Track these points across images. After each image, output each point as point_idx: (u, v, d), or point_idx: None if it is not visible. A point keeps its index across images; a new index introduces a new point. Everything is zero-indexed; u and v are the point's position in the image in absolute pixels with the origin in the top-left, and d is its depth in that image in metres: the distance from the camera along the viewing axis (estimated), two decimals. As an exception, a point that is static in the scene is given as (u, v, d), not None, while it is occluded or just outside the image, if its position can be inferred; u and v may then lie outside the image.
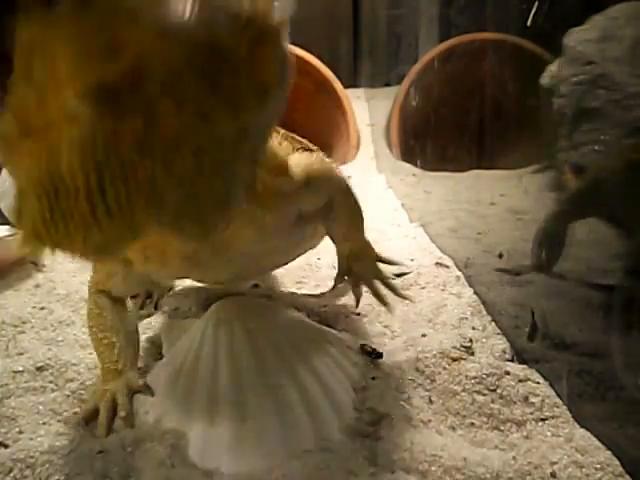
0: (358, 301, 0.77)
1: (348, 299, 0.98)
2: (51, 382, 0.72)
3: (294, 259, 0.83)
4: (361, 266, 0.77)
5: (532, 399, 0.67)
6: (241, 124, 0.36)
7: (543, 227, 0.99)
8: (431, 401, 0.67)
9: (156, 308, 0.96)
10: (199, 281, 0.84)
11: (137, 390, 0.65)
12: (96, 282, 0.70)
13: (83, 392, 0.70)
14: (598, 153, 0.84)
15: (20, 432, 0.63)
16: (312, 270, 1.13)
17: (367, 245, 0.80)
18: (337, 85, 2.19)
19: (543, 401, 0.67)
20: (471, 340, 0.82)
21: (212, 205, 0.38)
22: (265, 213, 0.56)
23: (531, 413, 0.66)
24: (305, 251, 0.84)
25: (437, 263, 1.19)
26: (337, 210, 0.73)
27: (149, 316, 0.93)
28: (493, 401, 0.67)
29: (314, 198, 0.67)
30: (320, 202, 0.69)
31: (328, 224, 0.75)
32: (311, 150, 0.70)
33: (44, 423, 0.65)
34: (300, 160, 0.63)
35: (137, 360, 0.71)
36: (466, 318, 0.92)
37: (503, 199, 1.46)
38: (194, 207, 0.37)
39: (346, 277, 0.81)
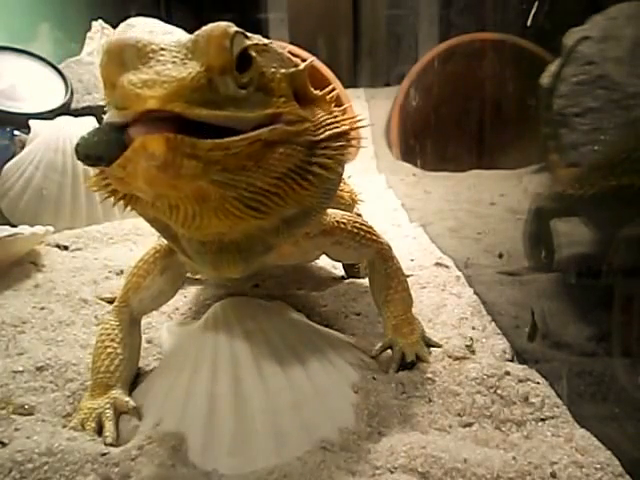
0: (395, 370, 0.73)
1: (348, 299, 0.98)
2: (51, 382, 0.72)
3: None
4: (405, 343, 0.74)
5: (532, 399, 0.67)
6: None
7: (526, 226, 1.00)
8: (431, 401, 0.67)
9: (156, 308, 0.96)
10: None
11: (124, 411, 0.65)
12: (125, 293, 0.73)
13: (83, 392, 0.70)
14: (597, 153, 0.85)
15: (20, 432, 0.62)
16: (312, 270, 1.13)
17: (412, 321, 0.78)
18: (337, 85, 2.20)
19: (543, 401, 0.67)
20: (472, 339, 0.82)
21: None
22: (289, 246, 0.69)
23: (531, 413, 0.66)
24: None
25: (437, 263, 1.19)
26: (373, 274, 0.79)
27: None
28: (493, 401, 0.67)
29: (339, 249, 0.76)
30: (350, 255, 0.80)
31: (371, 289, 0.80)
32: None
33: (44, 421, 0.65)
34: (335, 213, 0.75)
35: (130, 381, 0.71)
36: (466, 318, 0.92)
37: (503, 199, 1.46)
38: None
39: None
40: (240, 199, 0.52)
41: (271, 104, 0.54)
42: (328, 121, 0.60)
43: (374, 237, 0.77)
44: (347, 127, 0.62)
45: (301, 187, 0.56)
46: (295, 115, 0.55)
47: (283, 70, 0.56)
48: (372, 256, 0.78)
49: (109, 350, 0.69)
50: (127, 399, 0.66)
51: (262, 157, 0.51)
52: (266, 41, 0.57)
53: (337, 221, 0.74)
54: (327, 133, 0.59)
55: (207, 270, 0.62)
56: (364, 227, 0.76)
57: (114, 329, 0.71)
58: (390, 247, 0.79)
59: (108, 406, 0.65)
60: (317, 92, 0.62)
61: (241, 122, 0.50)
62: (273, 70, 0.55)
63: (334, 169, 0.59)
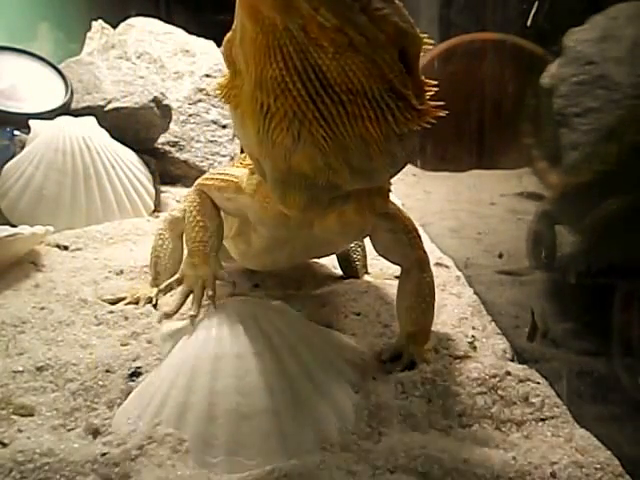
0: (401, 370, 0.74)
1: (348, 299, 0.98)
2: (51, 382, 0.72)
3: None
4: (416, 350, 0.75)
5: (532, 399, 0.67)
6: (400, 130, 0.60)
7: (530, 228, 1.00)
8: (431, 401, 0.67)
9: (155, 307, 0.96)
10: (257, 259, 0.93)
11: (220, 278, 0.80)
12: (202, 184, 0.83)
13: (83, 392, 0.70)
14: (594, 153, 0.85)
15: (20, 433, 0.62)
16: (312, 270, 1.13)
17: (428, 334, 0.79)
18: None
19: (543, 401, 0.67)
20: (474, 336, 0.83)
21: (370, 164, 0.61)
22: (354, 214, 0.73)
23: (531, 413, 0.66)
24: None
25: (437, 263, 1.19)
26: (406, 280, 0.79)
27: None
28: (494, 402, 0.67)
29: (389, 238, 0.78)
30: (394, 250, 0.80)
31: (398, 294, 0.81)
32: None
33: (44, 421, 0.65)
34: (399, 206, 0.81)
35: (221, 245, 0.84)
36: (466, 318, 0.92)
37: (503, 199, 1.46)
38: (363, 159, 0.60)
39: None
40: (308, 87, 0.55)
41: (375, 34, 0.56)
42: (419, 93, 0.62)
43: (421, 246, 0.80)
44: (426, 111, 0.63)
45: (368, 119, 0.57)
46: (390, 60, 0.57)
47: (396, 19, 0.58)
48: (411, 262, 0.79)
49: (201, 224, 0.80)
50: (221, 269, 0.80)
51: (342, 52, 0.54)
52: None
53: (399, 210, 0.80)
54: (413, 101, 0.60)
55: (277, 194, 0.65)
56: (417, 231, 0.80)
57: (201, 205, 0.81)
58: (429, 260, 0.80)
59: (210, 274, 0.79)
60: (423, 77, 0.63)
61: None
62: (388, 12, 0.57)
63: (402, 129, 0.60)
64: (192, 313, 0.76)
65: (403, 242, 0.78)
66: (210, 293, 0.77)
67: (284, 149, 0.59)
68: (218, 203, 0.83)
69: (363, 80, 0.56)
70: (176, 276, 0.83)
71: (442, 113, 0.64)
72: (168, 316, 0.80)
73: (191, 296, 0.80)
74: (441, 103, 0.64)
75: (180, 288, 0.82)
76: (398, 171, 0.68)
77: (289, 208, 0.66)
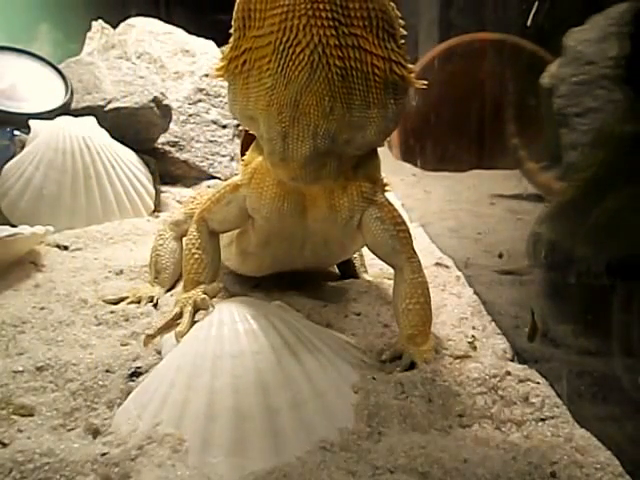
0: (401, 371, 0.73)
1: (348, 299, 0.98)
2: (51, 382, 0.72)
3: (332, 264, 1.09)
4: (417, 351, 0.75)
5: (532, 399, 0.67)
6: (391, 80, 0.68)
7: (533, 230, 1.00)
8: (431, 401, 0.67)
9: (156, 307, 0.96)
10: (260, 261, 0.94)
11: (213, 295, 0.81)
12: (201, 211, 0.87)
13: (83, 392, 0.70)
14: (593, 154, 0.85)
15: (20, 433, 0.62)
16: (311, 271, 1.13)
17: (428, 334, 0.78)
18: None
19: (543, 401, 0.67)
20: (474, 336, 0.83)
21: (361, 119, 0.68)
22: (341, 196, 0.77)
23: (531, 413, 0.66)
24: (340, 260, 1.06)
25: (437, 263, 1.19)
26: (400, 282, 0.79)
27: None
28: (494, 402, 0.67)
29: (377, 228, 0.78)
30: (383, 243, 0.79)
31: (393, 297, 0.81)
32: None
33: (44, 421, 0.65)
34: (389, 198, 0.82)
35: (216, 277, 0.88)
36: (466, 318, 0.92)
37: (503, 199, 1.46)
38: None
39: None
40: (334, 14, 0.60)
41: None
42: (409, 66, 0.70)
43: (411, 243, 0.79)
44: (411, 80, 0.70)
45: (375, 57, 0.64)
46: (395, 14, 0.66)
47: None
48: (403, 262, 0.78)
49: (196, 256, 0.86)
50: (215, 284, 0.83)
51: None
52: None
53: (390, 203, 0.80)
54: (406, 56, 0.69)
55: (278, 150, 0.69)
56: (407, 227, 0.80)
57: (197, 238, 0.86)
58: (420, 263, 0.80)
59: (200, 293, 0.80)
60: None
61: None
62: None
63: (399, 72, 0.67)
64: (179, 329, 0.75)
65: (390, 233, 0.78)
66: (201, 297, 0.79)
67: (297, 86, 0.63)
68: (219, 220, 0.86)
69: (379, 15, 0.63)
70: (176, 310, 0.81)
71: (423, 85, 0.72)
72: (151, 337, 0.78)
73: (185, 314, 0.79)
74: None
75: (173, 309, 0.81)
76: (385, 136, 0.72)
77: (291, 163, 0.69)
